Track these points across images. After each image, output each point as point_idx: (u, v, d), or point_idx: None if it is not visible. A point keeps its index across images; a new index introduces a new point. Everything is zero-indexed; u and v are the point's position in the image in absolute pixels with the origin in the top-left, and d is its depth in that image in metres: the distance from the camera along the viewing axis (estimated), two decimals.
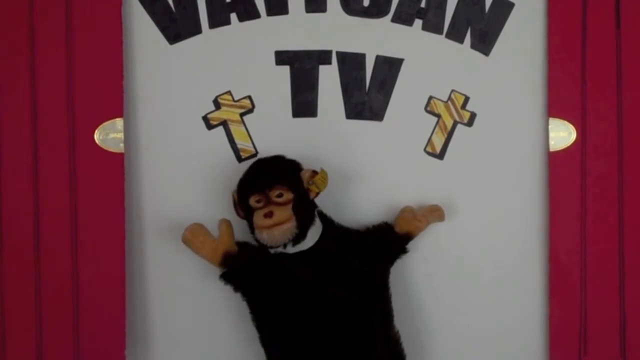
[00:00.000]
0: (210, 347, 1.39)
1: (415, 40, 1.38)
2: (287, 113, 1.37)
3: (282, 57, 1.36)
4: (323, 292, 1.22)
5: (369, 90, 1.38)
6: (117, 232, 1.32)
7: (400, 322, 1.31)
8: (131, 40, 1.35)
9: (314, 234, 1.23)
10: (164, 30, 1.35)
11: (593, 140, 1.36)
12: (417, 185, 1.39)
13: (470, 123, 1.39)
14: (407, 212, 1.34)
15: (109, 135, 1.32)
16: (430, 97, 1.38)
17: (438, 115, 1.39)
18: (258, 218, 1.19)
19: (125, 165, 1.33)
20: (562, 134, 1.37)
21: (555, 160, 1.37)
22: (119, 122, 1.33)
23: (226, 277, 1.24)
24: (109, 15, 1.32)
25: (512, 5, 1.38)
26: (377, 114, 1.38)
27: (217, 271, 1.25)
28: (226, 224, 1.25)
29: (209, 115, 1.36)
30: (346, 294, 1.23)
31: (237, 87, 1.36)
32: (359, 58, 1.37)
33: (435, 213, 1.35)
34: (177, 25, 1.35)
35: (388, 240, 1.30)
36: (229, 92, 1.36)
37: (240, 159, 1.36)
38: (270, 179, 1.21)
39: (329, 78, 1.37)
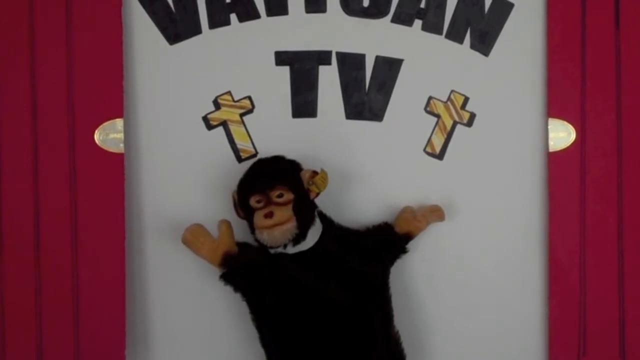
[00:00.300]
0: (210, 347, 1.39)
1: (414, 40, 1.38)
2: (287, 113, 1.37)
3: (282, 58, 1.37)
4: (323, 292, 1.22)
5: (368, 90, 1.38)
6: (117, 232, 1.32)
7: (400, 322, 1.31)
8: (131, 40, 1.35)
9: (314, 234, 1.23)
10: (164, 30, 1.36)
11: (592, 140, 1.36)
12: (416, 186, 1.39)
13: (469, 123, 1.39)
14: (407, 213, 1.34)
15: (109, 135, 1.32)
16: (430, 98, 1.38)
17: (438, 116, 1.39)
18: (258, 218, 1.19)
19: (125, 166, 1.33)
20: (562, 134, 1.37)
21: (555, 161, 1.37)
22: (119, 123, 1.33)
23: (226, 278, 1.24)
24: (109, 15, 1.32)
25: (512, 5, 1.38)
26: (376, 115, 1.38)
27: (216, 271, 1.25)
28: (226, 224, 1.25)
29: (208, 116, 1.36)
30: (346, 294, 1.23)
31: (237, 88, 1.36)
32: (359, 58, 1.37)
33: (435, 213, 1.35)
34: (177, 26, 1.36)
35: (388, 241, 1.31)
36: (228, 93, 1.36)
37: (240, 159, 1.37)
38: (271, 179, 1.21)
39: (328, 78, 1.37)
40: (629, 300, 1.37)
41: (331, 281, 1.23)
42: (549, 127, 1.37)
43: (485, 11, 1.38)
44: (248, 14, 1.36)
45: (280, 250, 1.21)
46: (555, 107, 1.37)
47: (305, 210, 1.22)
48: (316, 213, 1.26)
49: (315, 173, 1.25)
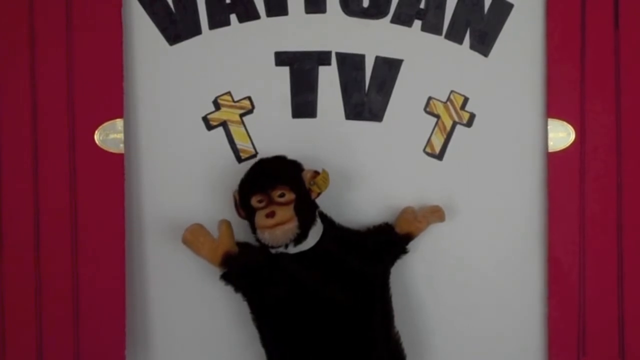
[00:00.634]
0: (210, 347, 1.39)
1: (414, 41, 1.38)
2: (287, 114, 1.37)
3: (281, 58, 1.37)
4: (323, 293, 1.22)
5: (368, 91, 1.38)
6: (117, 232, 1.32)
7: (400, 322, 1.31)
8: (131, 41, 1.35)
9: (315, 234, 1.23)
10: (164, 31, 1.36)
11: (592, 140, 1.37)
12: (416, 186, 1.39)
13: (469, 124, 1.39)
14: (407, 213, 1.34)
15: (109, 135, 1.33)
16: (430, 98, 1.39)
17: (437, 116, 1.39)
18: (260, 218, 1.20)
19: (125, 166, 1.33)
20: (561, 135, 1.37)
21: (554, 161, 1.37)
22: (119, 123, 1.33)
23: (227, 278, 1.24)
24: (109, 16, 1.32)
25: (511, 6, 1.39)
26: (376, 115, 1.38)
27: (217, 271, 1.25)
28: (226, 224, 1.25)
29: (208, 116, 1.36)
30: (346, 294, 1.23)
31: (237, 88, 1.37)
32: (359, 59, 1.37)
33: (435, 214, 1.35)
34: (177, 26, 1.36)
35: (388, 241, 1.31)
36: (228, 93, 1.37)
37: (240, 160, 1.37)
38: (272, 179, 1.21)
39: (328, 79, 1.37)
40: (628, 300, 1.37)
41: (332, 281, 1.23)
42: (548, 127, 1.37)
43: (485, 12, 1.38)
44: (248, 14, 1.36)
45: (281, 250, 1.22)
46: (554, 108, 1.37)
47: (307, 210, 1.22)
48: (317, 213, 1.26)
49: (316, 173, 1.25)
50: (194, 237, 1.24)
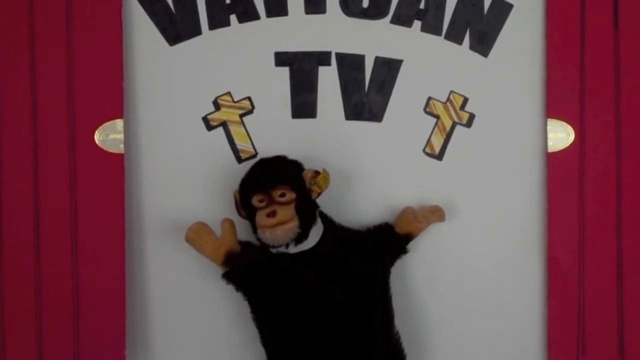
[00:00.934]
0: (210, 347, 1.39)
1: (414, 41, 1.38)
2: (287, 114, 1.37)
3: (281, 58, 1.37)
4: (324, 292, 1.22)
5: (368, 91, 1.38)
6: (117, 232, 1.32)
7: (400, 322, 1.31)
8: (131, 41, 1.35)
9: (316, 234, 1.24)
10: (164, 31, 1.36)
11: (591, 141, 1.37)
12: (416, 186, 1.39)
13: (469, 124, 1.40)
14: (407, 213, 1.34)
15: (109, 136, 1.33)
16: (429, 98, 1.39)
17: (437, 116, 1.39)
18: (261, 217, 1.20)
19: (125, 166, 1.34)
20: (561, 135, 1.37)
21: (554, 161, 1.37)
22: (119, 123, 1.33)
23: (228, 277, 1.24)
24: (109, 16, 1.32)
25: (511, 6, 1.39)
26: (376, 115, 1.38)
27: (217, 271, 1.25)
28: (229, 223, 1.25)
29: (208, 116, 1.37)
30: (346, 294, 1.23)
31: (237, 88, 1.37)
32: (358, 59, 1.38)
33: (435, 214, 1.35)
34: (177, 27, 1.36)
35: (389, 241, 1.31)
36: (228, 93, 1.37)
37: (240, 160, 1.37)
38: (273, 179, 1.21)
39: (328, 79, 1.37)
40: (627, 300, 1.37)
41: (332, 281, 1.23)
42: (548, 127, 1.38)
43: (485, 12, 1.38)
44: (248, 14, 1.36)
45: (282, 249, 1.22)
46: (554, 108, 1.37)
47: (307, 209, 1.23)
48: (317, 213, 1.26)
49: (317, 173, 1.25)
50: (197, 236, 1.23)
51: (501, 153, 1.40)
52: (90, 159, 1.32)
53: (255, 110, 1.37)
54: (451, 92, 1.39)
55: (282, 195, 1.20)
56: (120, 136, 1.33)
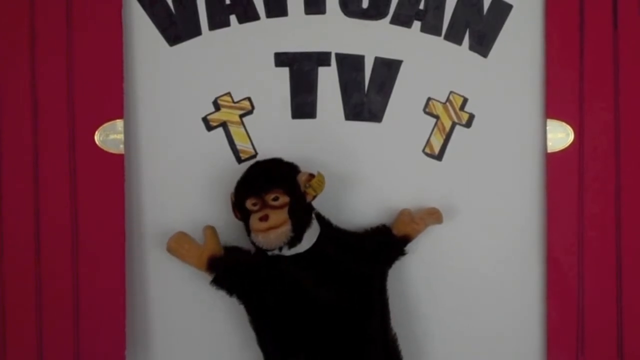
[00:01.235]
0: (210, 348, 1.39)
1: (413, 41, 1.38)
2: (287, 114, 1.37)
3: (281, 59, 1.37)
4: (320, 294, 1.23)
5: (367, 91, 1.38)
6: (117, 232, 1.32)
7: (398, 324, 1.31)
8: (131, 41, 1.35)
9: (311, 236, 1.24)
10: (164, 31, 1.36)
11: (590, 141, 1.37)
12: (415, 187, 1.39)
13: (468, 124, 1.40)
14: (404, 215, 1.34)
15: (109, 136, 1.33)
16: (429, 99, 1.39)
17: (436, 117, 1.39)
18: (254, 221, 1.20)
19: (126, 166, 1.34)
20: (560, 135, 1.38)
21: (553, 162, 1.37)
22: (119, 123, 1.33)
23: (216, 282, 1.25)
24: (109, 16, 1.32)
25: (510, 7, 1.39)
26: (376, 115, 1.39)
27: None
28: (210, 229, 1.27)
29: (208, 117, 1.37)
30: (343, 296, 1.23)
31: (237, 89, 1.37)
32: (358, 59, 1.38)
33: (433, 216, 1.35)
34: (177, 27, 1.36)
35: (386, 243, 1.31)
36: (228, 94, 1.37)
37: (239, 160, 1.37)
38: (266, 183, 1.21)
39: (328, 79, 1.37)
40: (627, 300, 1.37)
41: (328, 283, 1.23)
42: (547, 128, 1.38)
43: (484, 12, 1.38)
44: (247, 15, 1.36)
45: (276, 252, 1.22)
46: (553, 108, 1.37)
47: (301, 213, 1.22)
48: (313, 215, 1.26)
49: (312, 176, 1.25)
50: (178, 245, 1.26)
51: (501, 153, 1.40)
52: (91, 160, 1.32)
53: (255, 111, 1.37)
54: (451, 92, 1.39)
55: (276, 199, 1.20)
56: (121, 136, 1.33)
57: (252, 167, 1.26)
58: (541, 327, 1.41)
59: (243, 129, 1.37)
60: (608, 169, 1.37)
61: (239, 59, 1.37)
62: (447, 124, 1.39)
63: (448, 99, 1.39)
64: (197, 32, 1.36)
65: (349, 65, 1.37)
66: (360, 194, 1.38)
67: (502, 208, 1.41)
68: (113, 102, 1.32)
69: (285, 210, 1.20)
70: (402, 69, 1.38)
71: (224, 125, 1.37)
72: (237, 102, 1.37)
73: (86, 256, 1.32)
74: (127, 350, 1.34)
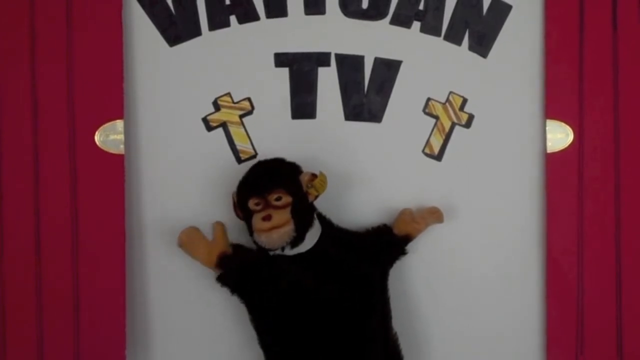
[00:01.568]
0: (210, 348, 1.39)
1: (413, 42, 1.38)
2: (286, 115, 1.38)
3: (281, 59, 1.37)
4: (322, 294, 1.23)
5: (367, 92, 1.38)
6: (118, 232, 1.32)
7: (399, 323, 1.32)
8: (131, 42, 1.35)
9: (313, 236, 1.24)
10: (164, 32, 1.36)
11: (590, 141, 1.37)
12: (415, 187, 1.39)
13: (468, 124, 1.40)
14: (405, 215, 1.34)
15: (109, 136, 1.33)
16: (429, 99, 1.39)
17: (436, 117, 1.39)
18: (256, 221, 1.20)
19: (126, 167, 1.34)
20: (559, 136, 1.38)
21: (553, 162, 1.38)
22: (119, 124, 1.33)
23: (222, 279, 1.25)
24: (109, 17, 1.32)
25: (510, 7, 1.39)
26: (375, 116, 1.39)
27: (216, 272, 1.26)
28: (220, 226, 1.26)
29: (208, 117, 1.37)
30: (345, 295, 1.23)
31: (237, 89, 1.37)
32: (358, 60, 1.38)
33: (434, 215, 1.35)
34: (177, 27, 1.36)
35: (387, 242, 1.31)
36: (228, 94, 1.37)
37: (239, 161, 1.37)
38: (269, 183, 1.21)
39: (327, 80, 1.38)
40: (626, 300, 1.37)
41: (330, 282, 1.24)
42: (546, 128, 1.38)
43: (484, 13, 1.39)
44: (247, 15, 1.37)
45: (278, 252, 1.22)
46: (553, 109, 1.38)
47: (304, 213, 1.23)
48: (315, 215, 1.26)
49: (314, 176, 1.25)
50: (189, 240, 1.25)
51: (500, 154, 1.41)
52: (91, 160, 1.32)
53: (255, 111, 1.37)
54: (450, 92, 1.39)
55: (278, 199, 1.20)
56: (121, 137, 1.33)
57: (254, 167, 1.27)
58: (541, 327, 1.41)
59: (243, 129, 1.37)
60: (607, 169, 1.37)
61: (239, 59, 1.37)
62: (447, 124, 1.40)
63: (448, 100, 1.39)
64: (197, 32, 1.36)
65: (349, 65, 1.38)
66: (360, 194, 1.39)
67: (502, 208, 1.41)
68: (113, 103, 1.33)
69: (288, 210, 1.20)
70: (402, 69, 1.38)
71: (223, 125, 1.37)
72: (237, 102, 1.37)
73: (86, 256, 1.32)
74: (127, 350, 1.34)
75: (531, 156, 1.40)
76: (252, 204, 1.21)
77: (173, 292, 1.38)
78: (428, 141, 1.40)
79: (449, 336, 1.41)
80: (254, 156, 1.37)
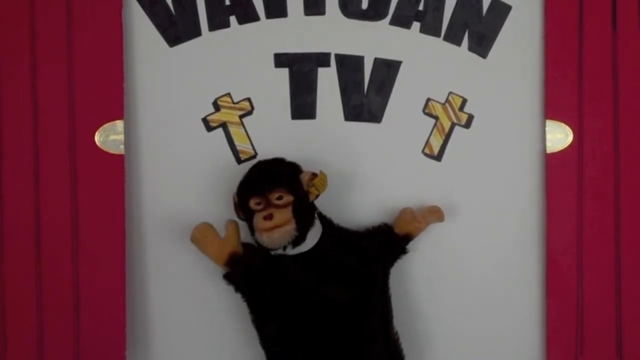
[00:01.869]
0: (210, 347, 1.39)
1: (413, 42, 1.39)
2: (286, 115, 1.38)
3: (281, 60, 1.37)
4: (322, 293, 1.23)
5: (367, 92, 1.38)
6: (118, 233, 1.32)
7: (400, 323, 1.32)
8: (131, 42, 1.36)
9: (314, 235, 1.24)
10: (164, 32, 1.36)
11: (590, 142, 1.37)
12: (415, 187, 1.40)
13: (467, 125, 1.40)
14: (406, 214, 1.34)
15: (109, 137, 1.33)
16: (428, 99, 1.39)
17: (436, 117, 1.40)
18: (258, 220, 1.20)
19: (126, 167, 1.34)
20: (559, 136, 1.38)
21: (552, 162, 1.38)
22: (119, 124, 1.33)
23: (229, 278, 1.25)
24: (109, 17, 1.33)
25: (509, 8, 1.39)
26: (375, 116, 1.39)
27: (217, 271, 1.26)
28: (233, 225, 1.26)
29: (208, 117, 1.37)
30: (345, 294, 1.23)
31: (237, 89, 1.37)
32: (358, 60, 1.38)
33: (434, 214, 1.36)
34: (177, 28, 1.36)
35: (388, 242, 1.31)
36: (228, 94, 1.37)
37: (239, 161, 1.37)
38: (270, 182, 1.21)
39: (327, 80, 1.38)
40: (626, 300, 1.37)
41: (331, 282, 1.24)
42: (546, 128, 1.38)
43: (483, 13, 1.39)
44: (247, 16, 1.37)
45: (280, 251, 1.22)
46: (552, 109, 1.38)
47: (305, 212, 1.23)
48: (316, 214, 1.27)
49: (314, 175, 1.25)
50: (202, 236, 1.24)
51: (500, 154, 1.41)
52: (91, 160, 1.32)
53: (254, 111, 1.38)
54: (450, 93, 1.39)
55: (279, 198, 1.20)
56: (121, 137, 1.34)
57: (254, 166, 1.27)
58: (541, 327, 1.41)
59: (243, 130, 1.37)
60: (607, 170, 1.37)
61: (239, 59, 1.37)
62: (447, 125, 1.40)
63: (447, 100, 1.39)
64: (197, 32, 1.37)
65: (349, 66, 1.38)
66: (360, 194, 1.39)
67: (502, 208, 1.41)
68: (113, 103, 1.33)
69: (289, 209, 1.20)
70: (402, 69, 1.38)
71: (223, 125, 1.37)
72: (237, 102, 1.37)
73: (86, 256, 1.32)
74: (127, 350, 1.34)
75: (531, 156, 1.40)
76: (253, 203, 1.21)
77: (173, 292, 1.38)
78: (428, 141, 1.40)
79: (449, 335, 1.42)
80: (254, 156, 1.37)
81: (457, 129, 1.40)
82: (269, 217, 1.19)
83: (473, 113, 1.40)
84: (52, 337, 1.32)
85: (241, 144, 1.37)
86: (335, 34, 1.38)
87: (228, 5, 1.36)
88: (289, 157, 1.28)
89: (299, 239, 1.21)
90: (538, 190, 1.40)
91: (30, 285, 1.32)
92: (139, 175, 1.37)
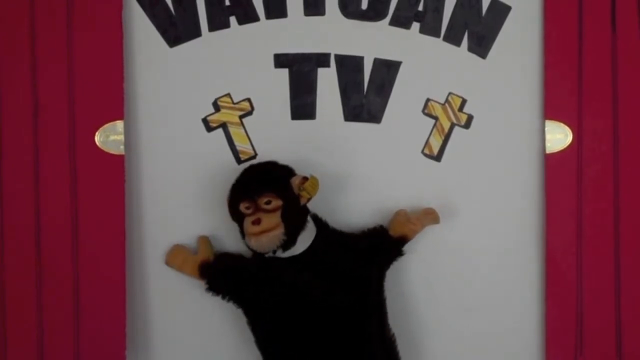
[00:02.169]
0: (210, 348, 1.39)
1: (412, 43, 1.39)
2: (286, 115, 1.38)
3: (281, 60, 1.37)
4: (317, 295, 1.23)
5: (367, 92, 1.38)
6: (118, 233, 1.32)
7: (398, 323, 1.32)
8: (131, 43, 1.36)
9: (306, 238, 1.24)
10: (164, 33, 1.36)
11: (589, 142, 1.37)
12: (414, 187, 1.40)
13: (467, 125, 1.40)
14: (400, 216, 1.34)
15: (109, 137, 1.33)
16: (428, 100, 1.39)
17: (435, 118, 1.40)
18: (247, 225, 1.21)
19: (126, 167, 1.34)
20: (559, 136, 1.38)
21: (552, 162, 1.38)
22: (119, 124, 1.33)
23: (210, 288, 1.27)
24: (109, 17, 1.33)
25: (509, 8, 1.39)
26: (375, 117, 1.39)
27: None
28: (203, 239, 1.31)
29: (208, 118, 1.37)
30: (341, 296, 1.24)
31: (237, 90, 1.37)
32: (357, 61, 1.38)
33: (429, 216, 1.36)
34: (177, 28, 1.36)
35: (382, 244, 1.31)
36: (228, 95, 1.37)
37: (239, 161, 1.37)
38: (259, 187, 1.21)
39: (327, 81, 1.38)
40: (625, 300, 1.37)
41: (326, 284, 1.24)
42: (545, 129, 1.38)
43: (483, 14, 1.39)
44: (247, 16, 1.37)
45: (270, 255, 1.22)
46: (552, 109, 1.38)
47: (295, 216, 1.23)
48: (309, 217, 1.26)
49: (305, 179, 1.24)
50: (174, 258, 1.30)
51: (499, 154, 1.41)
52: (91, 160, 1.32)
53: (254, 112, 1.38)
54: (449, 93, 1.40)
55: (268, 202, 1.20)
56: (121, 137, 1.34)
57: (246, 170, 1.27)
58: (540, 327, 1.41)
59: (243, 130, 1.37)
60: (606, 170, 1.37)
61: (239, 60, 1.37)
62: (446, 125, 1.40)
63: (447, 100, 1.40)
64: (197, 33, 1.37)
65: (349, 66, 1.38)
66: (359, 194, 1.39)
67: (501, 209, 1.41)
68: (113, 103, 1.33)
69: (278, 213, 1.21)
70: (401, 70, 1.39)
71: (223, 126, 1.37)
72: (237, 103, 1.37)
73: (86, 256, 1.33)
74: (127, 350, 1.34)
75: (530, 157, 1.40)
76: (242, 207, 1.22)
77: (173, 292, 1.38)
78: (427, 142, 1.40)
79: (448, 336, 1.42)
80: (254, 157, 1.37)
81: (456, 129, 1.40)
82: (257, 222, 1.19)
83: (473, 113, 1.40)
84: (52, 337, 1.32)
85: (241, 145, 1.37)
86: (335, 34, 1.38)
87: (228, 6, 1.37)
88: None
89: (288, 243, 1.21)
90: (537, 190, 1.40)
91: (30, 285, 1.32)
92: (139, 175, 1.37)
